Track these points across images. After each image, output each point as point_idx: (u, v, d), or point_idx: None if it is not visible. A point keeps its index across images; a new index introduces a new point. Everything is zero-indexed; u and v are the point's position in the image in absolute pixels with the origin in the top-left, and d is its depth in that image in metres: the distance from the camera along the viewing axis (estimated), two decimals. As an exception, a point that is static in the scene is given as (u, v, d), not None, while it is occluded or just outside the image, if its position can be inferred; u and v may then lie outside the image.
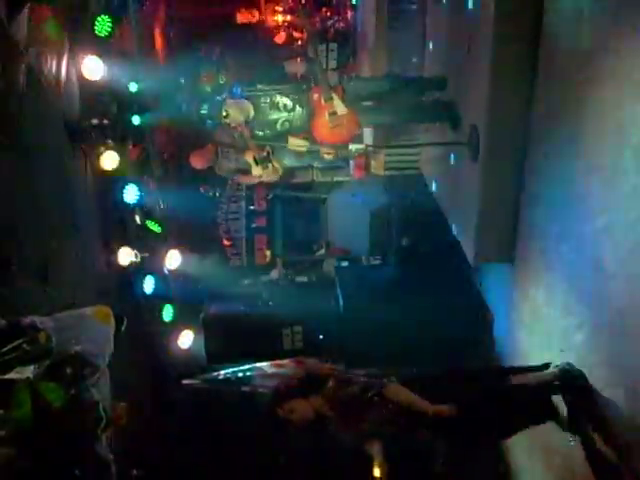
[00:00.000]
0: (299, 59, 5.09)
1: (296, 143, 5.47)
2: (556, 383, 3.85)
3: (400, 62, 7.08)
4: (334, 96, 5.18)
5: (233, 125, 5.31)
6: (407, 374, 3.81)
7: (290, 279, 8.38)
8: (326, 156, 5.63)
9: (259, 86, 5.24)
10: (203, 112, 8.52)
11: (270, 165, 6.20)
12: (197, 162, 6.49)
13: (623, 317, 3.32)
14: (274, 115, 5.29)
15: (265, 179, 6.56)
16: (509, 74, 4.43)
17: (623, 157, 3.27)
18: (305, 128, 5.32)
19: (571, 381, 3.77)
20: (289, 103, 5.29)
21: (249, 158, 6.22)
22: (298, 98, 5.28)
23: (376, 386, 3.61)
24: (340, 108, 5.19)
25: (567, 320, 3.95)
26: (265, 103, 5.26)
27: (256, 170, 6.24)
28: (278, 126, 5.36)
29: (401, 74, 6.76)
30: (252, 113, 5.27)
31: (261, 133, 5.76)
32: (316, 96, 5.20)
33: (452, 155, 5.39)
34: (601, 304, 3.56)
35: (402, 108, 5.85)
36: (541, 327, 4.40)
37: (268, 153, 6.21)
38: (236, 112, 5.20)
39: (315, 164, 7.91)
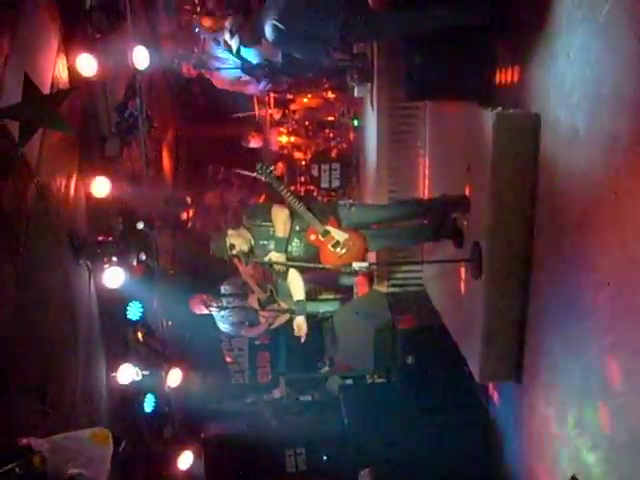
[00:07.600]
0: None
1: (295, 282, 5.49)
2: None
3: (401, 181, 7.19)
4: (329, 228, 5.21)
5: (237, 257, 5.29)
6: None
7: (294, 398, 8.24)
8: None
9: (258, 221, 5.27)
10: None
11: (276, 305, 6.22)
12: (195, 307, 6.59)
13: (638, 439, 3.21)
14: (272, 246, 5.30)
15: (275, 324, 6.55)
16: (511, 190, 4.48)
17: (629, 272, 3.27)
18: (303, 259, 5.31)
19: None
20: (284, 236, 5.31)
21: (254, 304, 6.24)
22: (293, 234, 5.30)
23: None
24: (340, 236, 5.21)
25: (580, 440, 3.83)
26: (263, 235, 5.28)
27: (263, 314, 6.27)
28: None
29: (407, 198, 6.83)
30: (252, 242, 5.29)
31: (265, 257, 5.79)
32: (313, 237, 5.22)
33: (456, 272, 5.40)
34: (614, 424, 3.45)
35: (405, 232, 5.87)
36: (552, 446, 4.26)
37: (271, 292, 6.21)
38: (240, 242, 5.22)
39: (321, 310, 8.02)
